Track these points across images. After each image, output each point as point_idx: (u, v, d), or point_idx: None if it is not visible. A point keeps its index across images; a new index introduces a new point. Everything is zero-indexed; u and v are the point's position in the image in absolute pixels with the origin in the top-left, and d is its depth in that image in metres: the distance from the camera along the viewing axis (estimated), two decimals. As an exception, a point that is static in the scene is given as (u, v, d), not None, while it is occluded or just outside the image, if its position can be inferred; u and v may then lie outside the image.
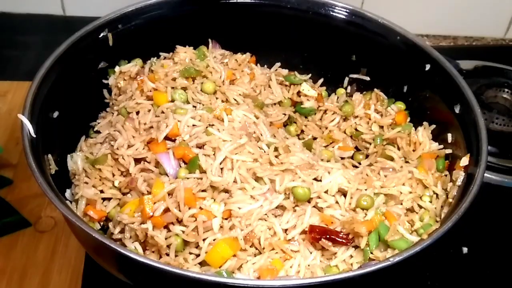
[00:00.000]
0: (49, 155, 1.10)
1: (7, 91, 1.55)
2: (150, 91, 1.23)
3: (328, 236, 1.03)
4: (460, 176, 1.07)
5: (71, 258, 1.21)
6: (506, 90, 1.59)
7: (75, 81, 1.19)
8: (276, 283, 0.88)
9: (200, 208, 1.02)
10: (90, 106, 1.27)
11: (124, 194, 1.13)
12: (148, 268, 0.85)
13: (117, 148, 1.14)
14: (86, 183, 1.12)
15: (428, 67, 1.23)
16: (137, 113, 1.21)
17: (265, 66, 1.42)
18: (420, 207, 1.12)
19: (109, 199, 1.13)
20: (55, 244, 1.23)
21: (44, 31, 1.76)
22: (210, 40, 1.38)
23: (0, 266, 1.18)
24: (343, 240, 1.03)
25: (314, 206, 1.08)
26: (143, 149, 1.14)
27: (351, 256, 1.04)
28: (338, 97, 1.40)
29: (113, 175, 1.14)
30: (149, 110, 1.20)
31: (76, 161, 1.16)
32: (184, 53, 1.32)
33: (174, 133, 1.12)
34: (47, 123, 1.09)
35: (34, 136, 1.01)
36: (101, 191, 1.13)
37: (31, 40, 1.75)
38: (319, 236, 1.03)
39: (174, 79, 1.24)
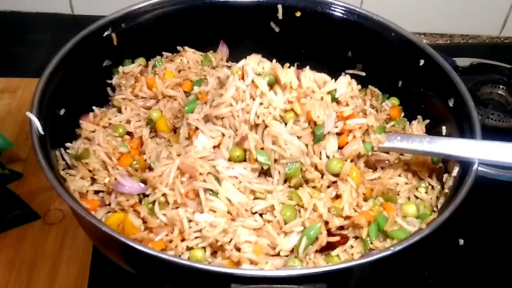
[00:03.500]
0: (57, 152, 1.12)
1: (17, 87, 1.57)
2: (142, 87, 1.26)
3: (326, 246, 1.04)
4: (455, 168, 1.09)
5: (79, 249, 1.22)
6: (501, 86, 1.61)
7: (80, 79, 1.21)
8: (282, 273, 0.90)
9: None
10: (96, 104, 1.29)
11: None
12: (154, 259, 0.87)
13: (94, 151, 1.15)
14: (74, 175, 1.12)
15: (422, 62, 1.24)
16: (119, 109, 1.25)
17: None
18: (416, 197, 1.14)
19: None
20: (64, 236, 1.25)
21: (52, 29, 1.79)
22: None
23: (10, 258, 1.20)
24: (340, 240, 1.05)
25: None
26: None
27: (352, 247, 1.06)
28: None
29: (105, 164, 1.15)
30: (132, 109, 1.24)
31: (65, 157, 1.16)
32: (192, 54, 1.35)
33: None
34: (54, 120, 1.10)
35: (43, 133, 1.02)
36: (94, 180, 1.13)
37: (40, 38, 1.77)
38: (321, 251, 1.05)
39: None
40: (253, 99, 1.06)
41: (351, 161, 1.10)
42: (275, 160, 1.07)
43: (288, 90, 1.07)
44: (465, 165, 1.06)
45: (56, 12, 1.88)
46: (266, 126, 1.06)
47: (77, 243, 1.24)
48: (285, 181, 1.10)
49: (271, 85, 1.07)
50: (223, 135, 1.09)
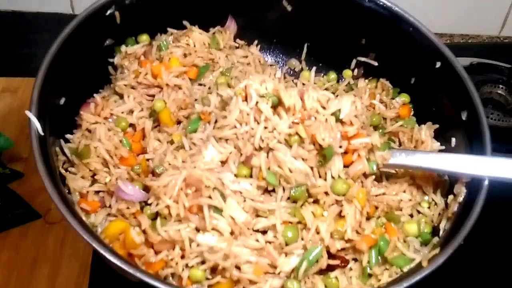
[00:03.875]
0: (57, 148, 1.11)
1: (18, 87, 1.58)
2: (146, 75, 1.22)
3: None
4: (461, 192, 1.07)
5: (80, 249, 1.23)
6: (500, 86, 1.63)
7: (82, 60, 1.17)
8: None
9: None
10: (97, 85, 1.26)
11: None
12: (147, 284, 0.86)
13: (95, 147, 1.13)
14: (75, 174, 1.11)
15: (438, 64, 1.20)
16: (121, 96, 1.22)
17: (275, 41, 1.44)
18: (418, 212, 1.14)
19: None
20: (64, 235, 1.25)
21: (53, 29, 1.77)
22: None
23: (11, 257, 1.21)
24: (340, 263, 1.04)
25: None
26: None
27: (351, 269, 1.05)
28: (345, 79, 1.40)
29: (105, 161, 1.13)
30: (134, 97, 1.21)
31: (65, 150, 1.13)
32: (199, 35, 1.31)
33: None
34: (54, 111, 1.08)
35: (42, 134, 1.00)
36: (94, 179, 1.12)
37: (41, 38, 1.74)
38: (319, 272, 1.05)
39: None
40: (258, 122, 1.04)
41: (357, 178, 1.08)
42: (280, 181, 1.05)
43: (292, 112, 1.05)
44: (472, 186, 1.04)
45: (57, 12, 1.87)
46: (271, 148, 1.04)
47: (78, 243, 1.24)
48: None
49: (274, 106, 1.05)
50: (230, 152, 1.07)
